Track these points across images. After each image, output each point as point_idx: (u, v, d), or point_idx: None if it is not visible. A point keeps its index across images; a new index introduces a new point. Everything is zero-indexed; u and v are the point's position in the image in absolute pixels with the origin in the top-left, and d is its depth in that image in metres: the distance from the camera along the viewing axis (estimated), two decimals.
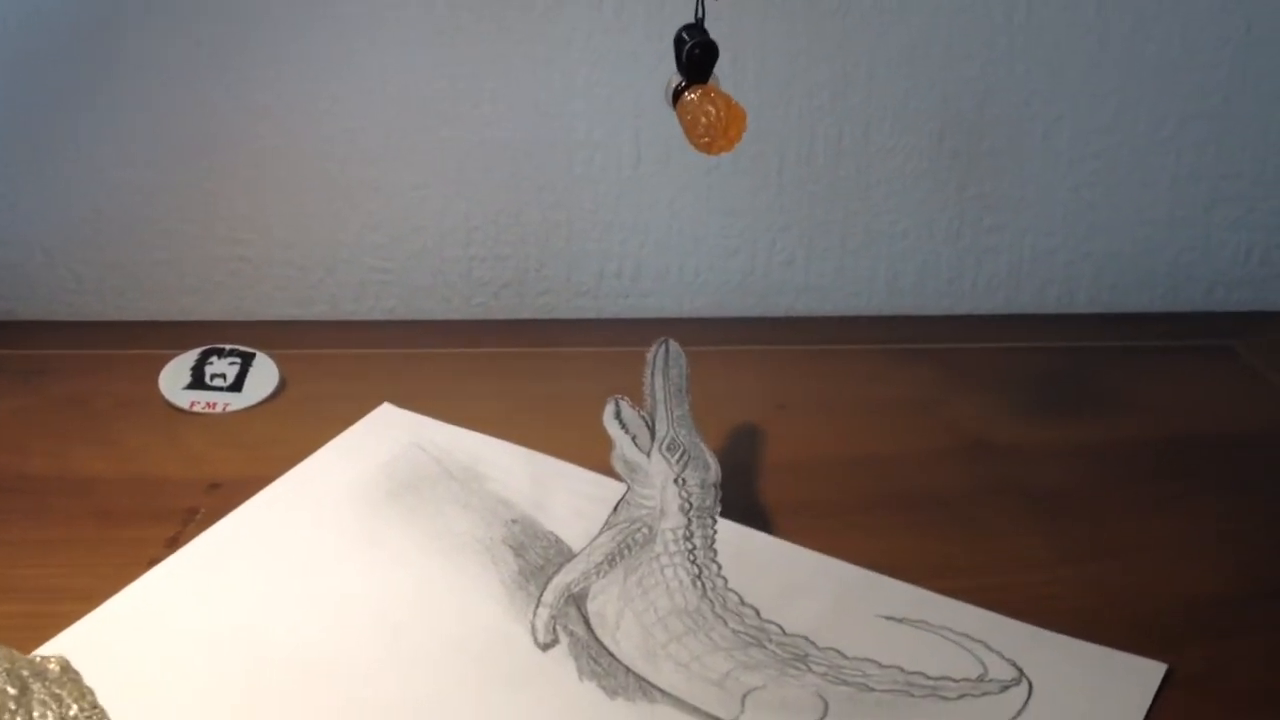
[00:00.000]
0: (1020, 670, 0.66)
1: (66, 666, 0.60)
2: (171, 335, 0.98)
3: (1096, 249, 1.10)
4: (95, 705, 0.58)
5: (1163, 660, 0.67)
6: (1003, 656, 0.67)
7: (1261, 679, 0.67)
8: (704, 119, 0.70)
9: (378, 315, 1.09)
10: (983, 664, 0.67)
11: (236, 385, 0.92)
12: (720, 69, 1.03)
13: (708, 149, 0.71)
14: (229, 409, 0.90)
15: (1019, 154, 1.08)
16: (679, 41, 0.72)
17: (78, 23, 1.00)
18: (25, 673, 0.58)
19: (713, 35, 1.03)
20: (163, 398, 0.91)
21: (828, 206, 1.09)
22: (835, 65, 1.05)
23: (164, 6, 0.99)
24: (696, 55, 0.71)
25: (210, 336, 0.99)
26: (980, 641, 0.68)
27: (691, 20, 0.73)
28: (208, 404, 0.90)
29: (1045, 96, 1.06)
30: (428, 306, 1.10)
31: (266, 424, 0.89)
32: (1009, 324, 1.08)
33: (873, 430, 0.90)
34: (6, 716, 0.56)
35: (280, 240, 1.07)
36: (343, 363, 0.97)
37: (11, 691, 0.57)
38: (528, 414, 0.89)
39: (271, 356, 0.95)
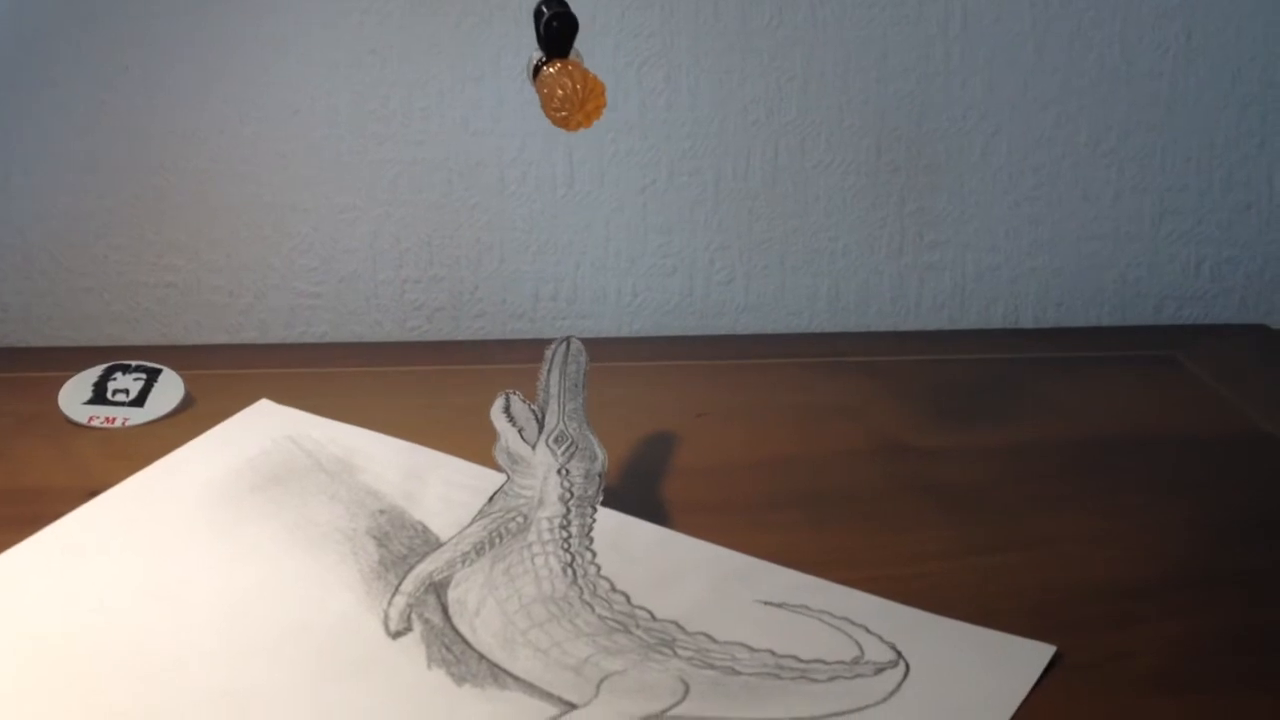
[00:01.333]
0: (899, 653, 0.61)
1: None
2: (91, 360, 0.94)
3: (1041, 265, 1.06)
4: None
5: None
6: (882, 640, 0.62)
7: (1157, 665, 0.61)
8: (560, 92, 0.67)
9: (309, 340, 1.05)
10: (860, 647, 0.62)
11: (139, 401, 0.88)
12: (653, 84, 1.01)
13: (564, 124, 0.67)
14: (129, 424, 0.87)
15: (958, 168, 1.04)
16: (538, 15, 0.69)
17: (2, 47, 0.97)
18: None
19: (648, 48, 1.01)
20: (61, 413, 0.87)
21: (766, 224, 1.05)
22: (769, 80, 1.02)
23: (90, 31, 0.97)
24: (554, 28, 0.68)
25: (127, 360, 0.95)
26: (860, 625, 0.63)
27: None
28: (106, 419, 0.86)
29: (983, 109, 1.02)
30: (361, 330, 1.06)
31: (164, 438, 0.85)
32: (950, 339, 1.03)
33: (790, 435, 0.85)
34: None
35: (209, 265, 1.04)
36: (256, 381, 0.93)
37: None
38: (444, 424, 0.84)
39: (181, 375, 0.91)
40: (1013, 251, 1.06)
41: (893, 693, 0.59)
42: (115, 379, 0.90)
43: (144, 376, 0.90)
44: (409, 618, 0.64)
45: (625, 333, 1.07)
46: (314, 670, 0.60)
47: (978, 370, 0.96)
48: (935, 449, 0.83)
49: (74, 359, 0.95)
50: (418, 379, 0.96)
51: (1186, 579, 0.69)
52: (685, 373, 0.98)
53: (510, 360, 0.99)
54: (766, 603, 0.65)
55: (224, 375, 0.93)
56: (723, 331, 1.06)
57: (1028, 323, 1.07)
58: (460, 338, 1.06)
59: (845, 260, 1.06)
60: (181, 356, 0.95)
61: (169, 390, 0.90)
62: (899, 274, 1.06)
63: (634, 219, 1.05)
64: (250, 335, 1.05)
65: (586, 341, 0.73)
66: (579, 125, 0.67)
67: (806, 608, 0.65)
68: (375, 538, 0.70)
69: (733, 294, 1.07)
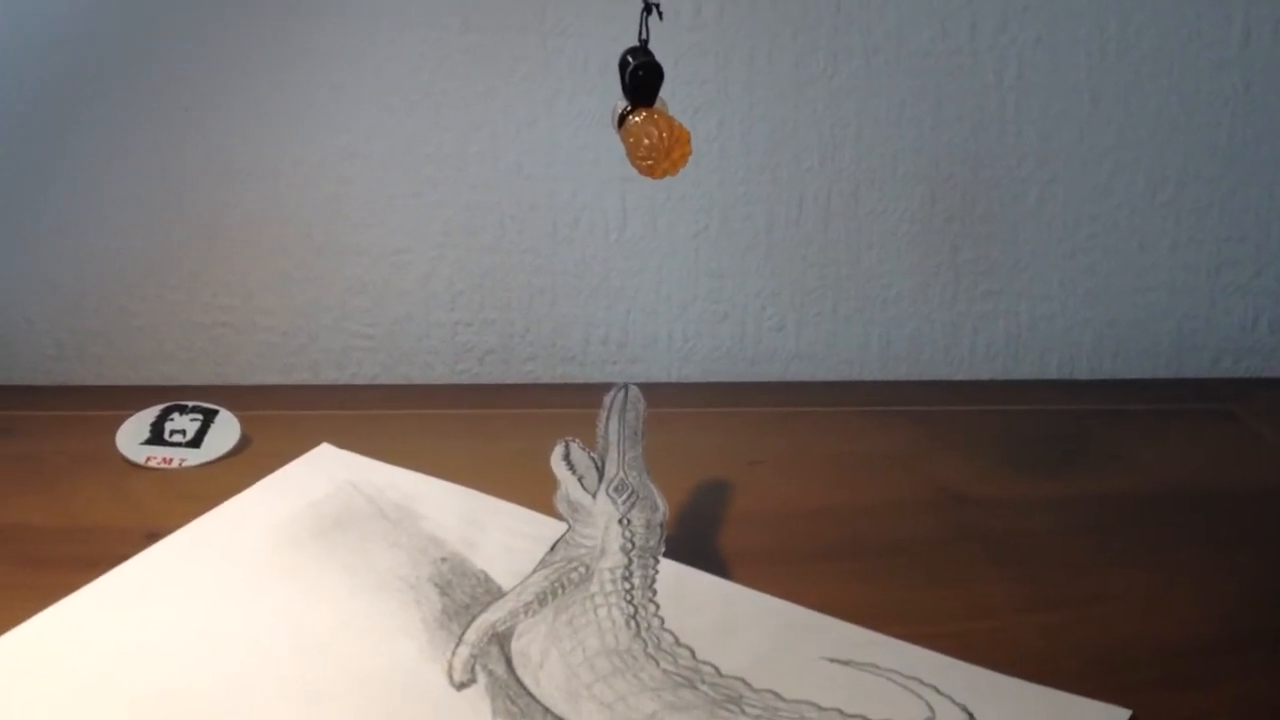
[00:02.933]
0: (970, 715, 0.60)
1: None
2: (146, 399, 0.95)
3: (1096, 316, 1.05)
4: None
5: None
6: (953, 700, 0.61)
7: None
8: (646, 140, 0.67)
9: (361, 381, 1.05)
10: (930, 707, 0.61)
11: (195, 441, 0.88)
12: (706, 130, 1.01)
13: (650, 172, 0.67)
14: (185, 464, 0.87)
15: (1013, 217, 1.03)
16: (623, 64, 0.69)
17: (58, 89, 0.98)
18: None
19: (702, 95, 1.01)
20: (119, 453, 0.87)
21: (818, 271, 1.04)
22: (824, 127, 1.02)
23: (146, 72, 0.98)
24: (640, 77, 0.68)
25: (184, 400, 0.95)
26: (930, 685, 0.62)
27: (635, 43, 0.69)
28: (164, 459, 0.87)
29: (1038, 158, 1.02)
30: (411, 372, 1.06)
31: (221, 479, 0.85)
32: (1004, 389, 1.03)
33: (845, 484, 0.85)
34: None
35: (262, 306, 1.04)
36: (312, 423, 0.93)
37: None
38: (499, 469, 0.84)
39: (238, 416, 0.91)
40: (1068, 301, 1.05)
41: None
42: (172, 419, 0.90)
43: (200, 417, 0.90)
44: (473, 669, 0.64)
45: (675, 378, 1.06)
46: (374, 717, 0.60)
47: (1032, 421, 0.95)
48: (990, 500, 0.83)
49: (128, 398, 0.95)
50: (470, 422, 0.96)
51: (1248, 638, 0.68)
52: (737, 420, 0.98)
53: (561, 405, 0.98)
54: (833, 659, 0.64)
55: (279, 416, 0.94)
56: (773, 378, 1.06)
57: (1082, 374, 1.06)
58: (511, 380, 1.06)
59: (898, 308, 1.05)
60: (235, 397, 0.95)
61: (225, 431, 0.90)
62: (952, 323, 1.05)
63: (686, 264, 1.04)
64: (303, 376, 1.05)
65: (637, 386, 0.73)
66: (665, 173, 0.67)
67: (875, 665, 0.64)
68: (437, 585, 0.70)
69: (784, 341, 1.06)
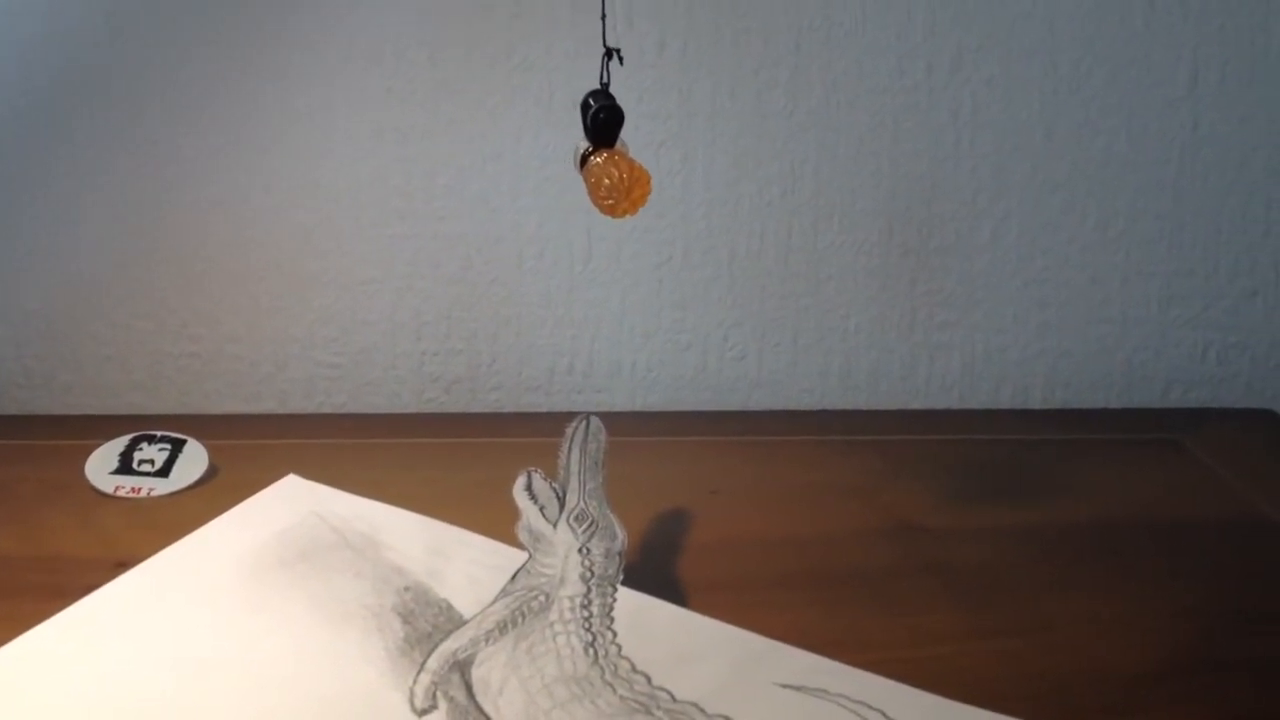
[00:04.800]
0: None
1: None
2: (113, 429, 0.96)
3: (1049, 347, 1.07)
4: None
5: None
6: None
7: None
8: (607, 180, 0.69)
9: (328, 410, 1.07)
10: None
11: (164, 471, 0.90)
12: (670, 165, 1.03)
13: (611, 211, 0.69)
14: (154, 493, 0.88)
15: (968, 251, 1.06)
16: (585, 107, 0.71)
17: (29, 119, 1.00)
18: None
19: (665, 130, 1.03)
20: (87, 482, 0.88)
21: (779, 302, 1.06)
22: (784, 162, 1.04)
23: (118, 104, 0.99)
24: (601, 120, 0.70)
25: (152, 430, 0.97)
26: (878, 710, 0.64)
27: (598, 84, 0.71)
28: (132, 489, 0.88)
29: (992, 193, 1.05)
30: (379, 401, 1.07)
31: (189, 508, 0.86)
32: (959, 418, 1.05)
33: (802, 514, 0.87)
34: None
35: (230, 335, 1.05)
36: (280, 452, 0.95)
37: None
38: (464, 498, 0.85)
39: (205, 445, 0.93)
40: (1021, 333, 1.07)
41: None
42: (141, 449, 0.91)
43: (169, 447, 0.92)
44: (434, 695, 0.65)
45: (639, 406, 1.08)
46: None
47: (987, 451, 0.98)
48: (945, 530, 0.85)
49: (96, 427, 0.96)
50: (436, 451, 0.98)
51: (1194, 665, 0.70)
52: (698, 449, 0.99)
53: (526, 434, 1.00)
54: (785, 685, 0.66)
55: (246, 445, 0.95)
56: (735, 407, 1.08)
57: (1035, 403, 1.08)
58: (477, 410, 1.08)
59: (857, 339, 1.07)
60: (203, 425, 0.96)
61: (194, 461, 0.91)
62: (909, 353, 1.08)
63: (649, 295, 1.06)
64: (270, 405, 1.07)
65: (600, 415, 0.75)
66: (625, 212, 0.69)
67: (825, 691, 0.66)
68: (400, 614, 0.72)
69: (745, 370, 1.08)
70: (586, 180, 0.71)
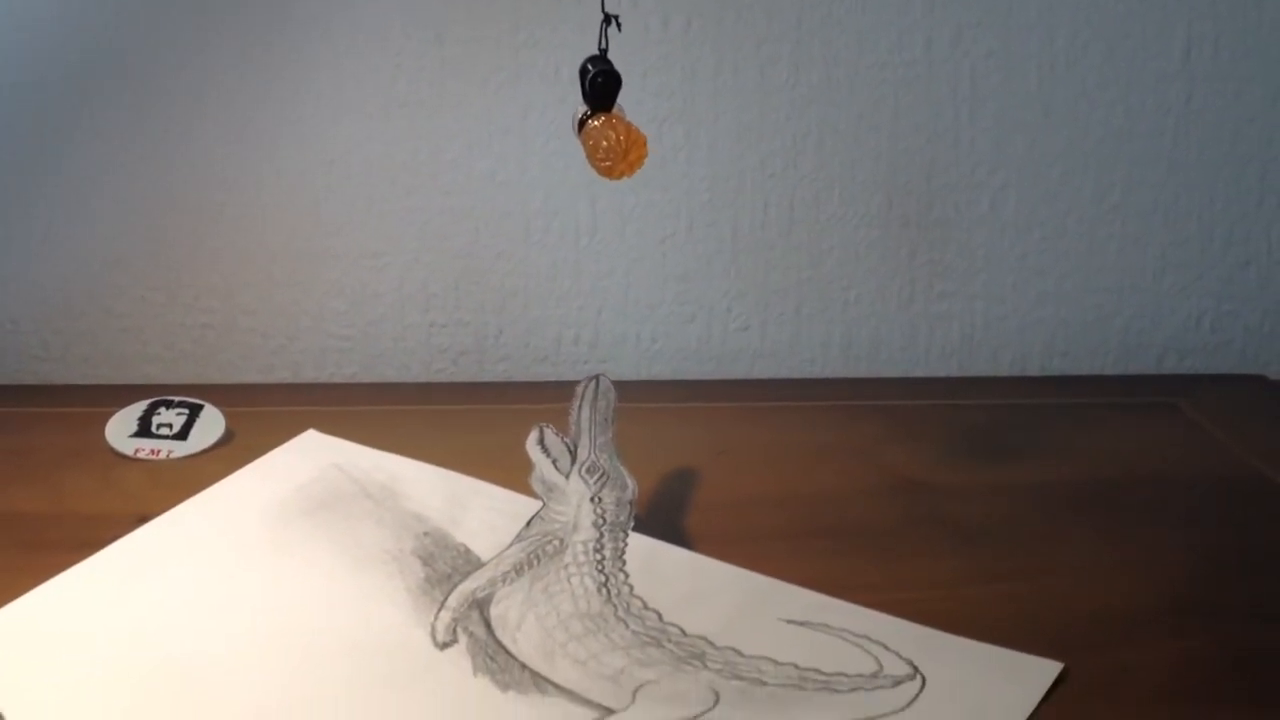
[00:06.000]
0: (915, 667, 0.66)
1: None
2: (131, 397, 1.00)
3: (1047, 315, 1.11)
4: None
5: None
6: (899, 655, 0.67)
7: (1158, 681, 0.67)
8: (604, 143, 0.73)
9: (339, 380, 1.11)
10: (879, 662, 0.67)
11: (182, 434, 0.93)
12: (673, 140, 1.07)
13: (608, 173, 0.73)
14: (172, 456, 0.92)
15: (967, 222, 1.09)
16: (583, 72, 0.75)
17: (48, 99, 1.04)
18: None
19: (669, 105, 1.07)
20: (108, 445, 0.92)
21: (781, 274, 1.10)
22: (786, 137, 1.08)
23: (134, 83, 1.03)
24: (599, 84, 0.74)
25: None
26: (878, 642, 0.68)
27: (595, 51, 0.75)
28: (151, 450, 0.92)
29: (991, 166, 1.08)
30: (388, 373, 1.11)
31: (208, 470, 0.90)
32: (959, 385, 1.09)
33: (807, 473, 0.91)
34: None
35: (243, 308, 1.09)
36: (294, 418, 0.98)
37: None
38: (475, 460, 0.89)
39: (222, 411, 0.97)
40: (1019, 302, 1.11)
41: (910, 703, 0.64)
42: (159, 413, 0.95)
43: (187, 411, 0.96)
44: (454, 631, 0.69)
45: (644, 377, 1.12)
46: (366, 678, 0.66)
47: (986, 414, 1.02)
48: (947, 486, 0.88)
49: (113, 396, 1.00)
50: (447, 417, 1.01)
51: (1184, 606, 0.74)
52: (704, 414, 1.03)
53: (535, 401, 1.03)
54: (790, 621, 0.70)
55: (261, 412, 0.99)
56: (739, 376, 1.12)
57: (1034, 371, 1.12)
58: (484, 380, 1.11)
59: (858, 309, 1.11)
60: (218, 394, 1.00)
61: (211, 425, 0.95)
62: (909, 323, 1.12)
63: (654, 268, 1.10)
64: (283, 375, 1.10)
65: (607, 376, 0.78)
66: (622, 174, 0.73)
67: (828, 626, 0.70)
68: (420, 558, 0.76)
69: (749, 340, 1.12)
70: (584, 143, 0.75)
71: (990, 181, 1.09)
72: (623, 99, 1.01)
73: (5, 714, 0.57)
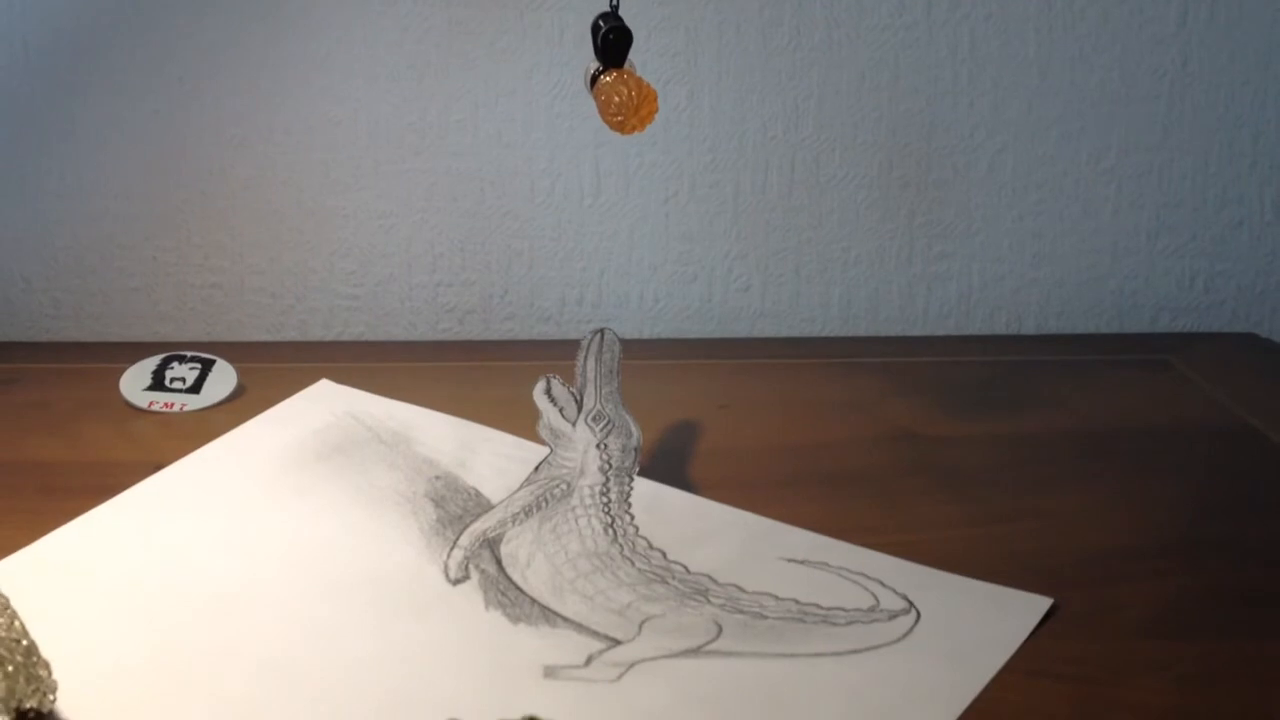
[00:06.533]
0: (910, 602, 0.70)
1: None
2: (143, 353, 1.03)
3: (1043, 276, 1.15)
4: (8, 608, 0.63)
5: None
6: (895, 591, 0.71)
7: (1144, 615, 0.70)
8: (616, 98, 0.76)
9: (346, 339, 1.14)
10: (875, 597, 0.70)
11: (195, 388, 0.97)
12: (676, 101, 1.10)
13: (620, 128, 0.76)
14: (186, 409, 0.95)
15: (965, 184, 1.13)
16: (595, 28, 0.78)
17: (58, 57, 1.07)
18: None
19: (672, 67, 1.10)
20: (123, 399, 0.96)
21: (782, 234, 1.14)
22: (787, 98, 1.11)
23: (144, 42, 1.06)
24: (611, 40, 0.77)
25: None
26: (875, 579, 0.72)
27: (606, 9, 0.78)
28: (165, 404, 0.95)
29: (989, 128, 1.12)
30: (395, 331, 1.15)
31: (221, 422, 0.93)
32: (956, 343, 1.12)
33: (807, 425, 0.94)
34: None
35: (252, 268, 1.12)
36: (303, 374, 1.01)
37: None
38: (482, 413, 0.92)
39: (233, 366, 1.00)
40: (1016, 263, 1.15)
41: (905, 635, 0.67)
42: (172, 368, 0.99)
43: (199, 366, 0.99)
44: (467, 568, 0.73)
45: (647, 336, 1.15)
46: (382, 611, 0.69)
47: (983, 371, 1.05)
48: (943, 437, 0.92)
49: (125, 352, 1.03)
50: (454, 373, 1.05)
51: (1171, 546, 0.77)
52: (706, 370, 1.07)
53: (540, 358, 1.07)
54: (790, 560, 0.74)
55: (271, 368, 1.02)
56: (740, 335, 1.15)
57: (1030, 330, 1.15)
58: (490, 338, 1.15)
59: (857, 270, 1.15)
60: (228, 351, 1.03)
61: (223, 379, 0.98)
62: (908, 283, 1.15)
63: (657, 228, 1.13)
64: (291, 334, 1.14)
65: (613, 330, 0.82)
66: (634, 129, 0.76)
67: (826, 564, 0.73)
68: (433, 500, 0.79)
69: (750, 300, 1.15)
70: (596, 99, 0.78)
71: (989, 144, 1.12)
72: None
73: (38, 644, 0.61)
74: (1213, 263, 1.14)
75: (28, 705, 0.57)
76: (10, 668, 0.58)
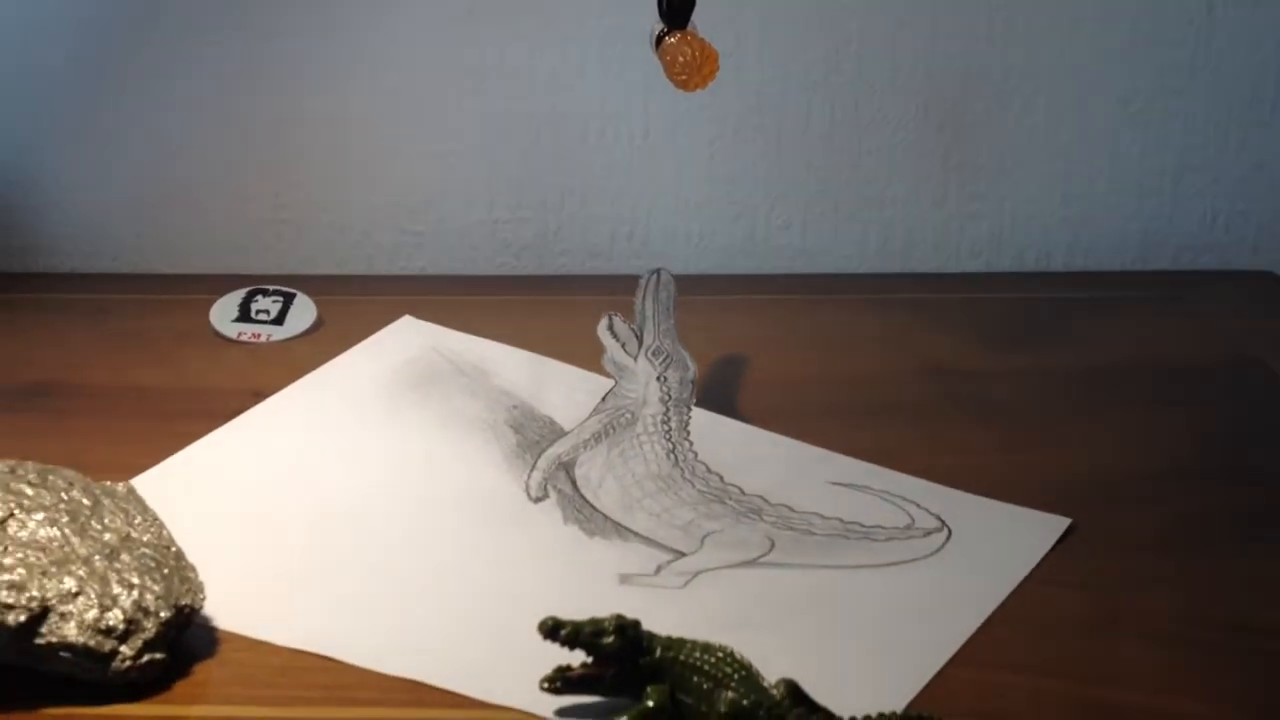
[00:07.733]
0: (943, 521, 0.81)
1: (132, 490, 0.75)
2: (222, 286, 1.13)
3: (1071, 215, 1.24)
4: (156, 519, 0.74)
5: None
6: (929, 511, 0.82)
7: (1156, 534, 0.81)
8: (681, 58, 0.85)
9: (411, 272, 1.24)
10: (911, 517, 0.81)
11: (279, 319, 1.07)
12: (724, 46, 1.18)
13: (684, 86, 0.85)
14: (271, 339, 1.06)
15: (998, 127, 1.22)
16: None
17: (144, 4, 1.16)
18: (97, 491, 0.74)
19: (722, 13, 1.19)
20: (212, 329, 1.06)
21: (822, 175, 1.23)
22: (829, 44, 1.20)
23: None
24: (676, 3, 0.85)
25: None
26: (912, 501, 0.82)
27: None
28: (253, 334, 1.06)
29: (1022, 73, 1.20)
30: (455, 265, 1.24)
31: (306, 352, 1.03)
32: (987, 280, 1.22)
33: (847, 358, 1.04)
34: (82, 519, 0.71)
35: (320, 205, 1.22)
36: (377, 307, 1.11)
37: (86, 502, 0.72)
38: (547, 343, 1.02)
39: (311, 298, 1.10)
40: (1046, 203, 1.24)
41: (938, 550, 0.79)
42: (257, 300, 1.09)
43: (281, 299, 1.10)
44: (546, 487, 0.84)
45: (692, 271, 1.25)
46: (473, 521, 0.81)
47: (1012, 307, 1.15)
48: (974, 371, 1.02)
49: (209, 284, 1.13)
50: (516, 307, 1.15)
51: (1181, 472, 0.88)
52: (750, 305, 1.17)
53: (594, 293, 1.17)
54: (834, 483, 0.85)
55: (346, 301, 1.12)
56: (780, 271, 1.25)
57: (1058, 268, 1.25)
58: (545, 273, 1.25)
59: (893, 209, 1.24)
60: (304, 284, 1.14)
61: (304, 311, 1.09)
62: (942, 222, 1.25)
63: (702, 169, 1.23)
64: (357, 268, 1.24)
65: (668, 270, 0.92)
66: (697, 87, 0.85)
67: (868, 487, 0.84)
68: (511, 427, 0.90)
69: (790, 238, 1.25)
70: (661, 58, 0.87)
71: (1021, 88, 1.21)
72: None
73: (184, 549, 0.72)
74: (1233, 203, 1.24)
75: (184, 603, 0.68)
76: (166, 570, 0.69)
